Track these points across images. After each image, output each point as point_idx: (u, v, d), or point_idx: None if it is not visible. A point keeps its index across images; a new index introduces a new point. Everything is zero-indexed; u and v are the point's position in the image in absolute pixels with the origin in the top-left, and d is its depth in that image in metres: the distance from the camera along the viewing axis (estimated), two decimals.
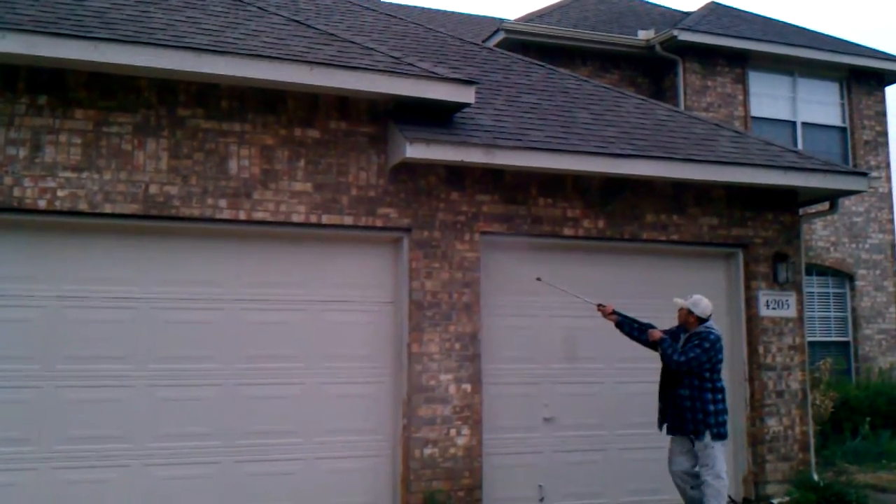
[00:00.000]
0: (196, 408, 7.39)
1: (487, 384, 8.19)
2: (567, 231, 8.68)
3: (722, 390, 7.52)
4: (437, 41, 10.41)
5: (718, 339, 7.52)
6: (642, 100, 10.49)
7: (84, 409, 7.06)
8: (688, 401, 7.43)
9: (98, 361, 7.17)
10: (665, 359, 7.51)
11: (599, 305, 7.92)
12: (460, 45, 10.63)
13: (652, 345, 7.66)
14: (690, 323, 7.61)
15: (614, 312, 7.87)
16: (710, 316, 7.62)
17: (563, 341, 8.78)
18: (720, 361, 7.57)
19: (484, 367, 8.16)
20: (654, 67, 15.08)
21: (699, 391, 7.41)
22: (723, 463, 7.43)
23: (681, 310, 7.73)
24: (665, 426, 7.67)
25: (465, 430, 7.94)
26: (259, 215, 7.53)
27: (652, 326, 7.76)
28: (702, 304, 7.60)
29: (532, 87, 9.82)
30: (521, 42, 14.04)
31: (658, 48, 14.55)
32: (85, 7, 7.38)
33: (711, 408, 7.38)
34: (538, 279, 8.28)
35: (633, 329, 7.81)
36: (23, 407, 6.93)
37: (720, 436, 7.38)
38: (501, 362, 8.42)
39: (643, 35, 14.73)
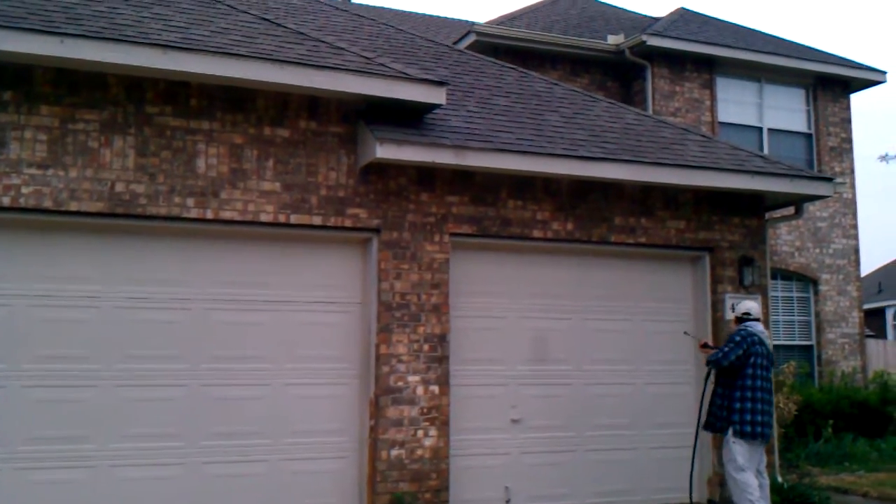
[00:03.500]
0: (162, 408, 7.31)
1: (455, 386, 8.19)
2: (536, 233, 8.71)
3: (759, 389, 7.92)
4: (408, 42, 10.41)
5: (746, 337, 8.01)
6: (611, 103, 10.56)
7: (49, 408, 6.97)
8: (719, 398, 8.08)
9: (64, 361, 7.07)
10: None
11: (703, 345, 8.59)
12: (432, 46, 10.64)
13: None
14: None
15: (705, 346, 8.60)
16: (748, 316, 8.24)
17: (531, 343, 8.80)
18: (758, 360, 7.96)
19: (452, 368, 8.16)
20: (624, 72, 15.18)
21: (729, 389, 7.99)
22: (745, 459, 7.79)
23: None
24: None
25: (433, 432, 7.93)
26: (227, 214, 7.48)
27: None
28: (738, 306, 8.53)
29: (503, 90, 9.84)
30: (493, 45, 14.08)
31: (627, 53, 14.65)
32: (54, 3, 7.29)
33: (738, 405, 7.86)
34: (685, 333, 9.10)
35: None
36: None
37: (743, 434, 7.78)
38: (470, 364, 8.43)
39: (613, 40, 14.82)
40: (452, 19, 19.20)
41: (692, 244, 9.45)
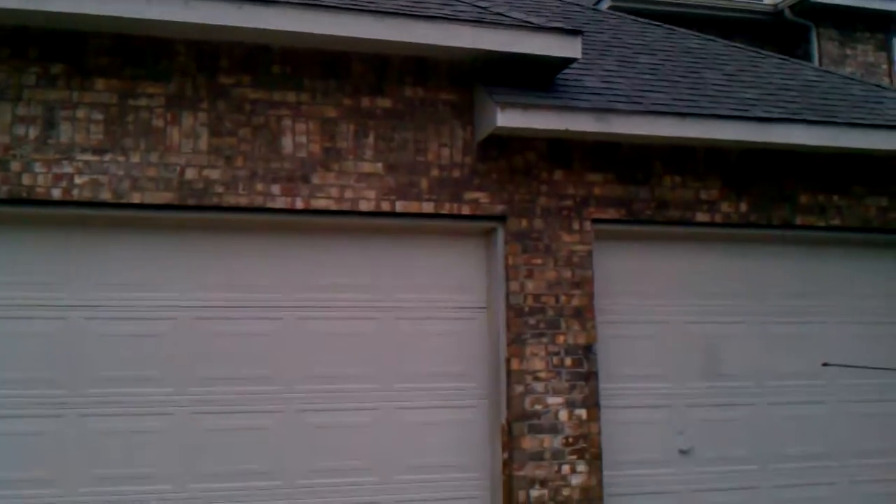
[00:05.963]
0: (249, 440, 6.03)
1: (607, 408, 6.57)
2: (701, 217, 6.99)
3: None
4: (531, 2, 8.87)
5: None
6: (783, 59, 8.71)
7: (113, 442, 5.79)
8: None
9: (131, 384, 5.88)
10: None
11: None
12: (559, 5, 9.07)
13: None
14: None
15: None
16: None
17: (700, 353, 7.09)
18: None
19: (601, 386, 6.54)
20: (783, 35, 13.18)
21: None
22: None
23: None
24: None
25: (581, 467, 6.32)
26: (320, 203, 6.13)
27: None
28: None
29: (648, 48, 8.18)
30: (628, 10, 12.37)
31: (788, 13, 12.72)
32: None
33: None
34: (825, 364, 6.85)
35: None
36: (44, 440, 5.69)
37: None
38: (623, 381, 6.79)
39: None
40: None
41: None
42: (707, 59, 8.14)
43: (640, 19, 9.32)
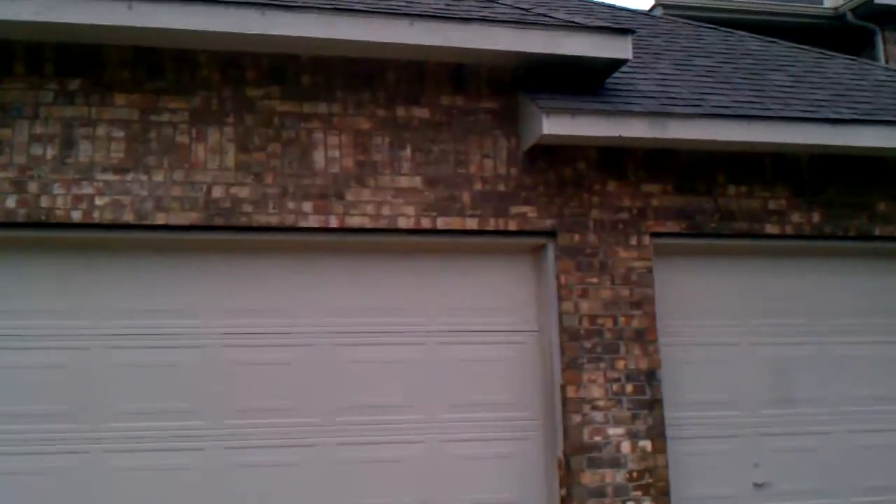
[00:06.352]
0: (281, 477, 5.57)
1: (673, 439, 5.99)
2: (770, 228, 6.42)
3: None
4: (579, 6, 8.40)
5: None
6: (852, 59, 8.11)
7: (139, 481, 5.38)
8: None
9: (156, 417, 5.47)
10: None
11: None
12: (607, 12, 8.58)
13: None
14: None
15: None
16: None
17: (771, 378, 6.48)
18: None
19: (666, 415, 5.97)
20: (845, 40, 12.48)
21: None
22: None
23: None
24: None
25: None
26: (355, 221, 5.70)
27: None
28: None
29: (705, 51, 7.65)
30: (681, 16, 11.85)
31: (850, 16, 12.08)
32: None
33: None
34: None
35: None
36: (64, 478, 5.30)
37: None
38: (690, 408, 6.21)
39: (830, 2, 12.27)
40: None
41: None
42: (770, 60, 7.58)
43: (692, 23, 8.79)
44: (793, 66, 7.48)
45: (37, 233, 5.33)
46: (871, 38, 12.18)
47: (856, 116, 6.38)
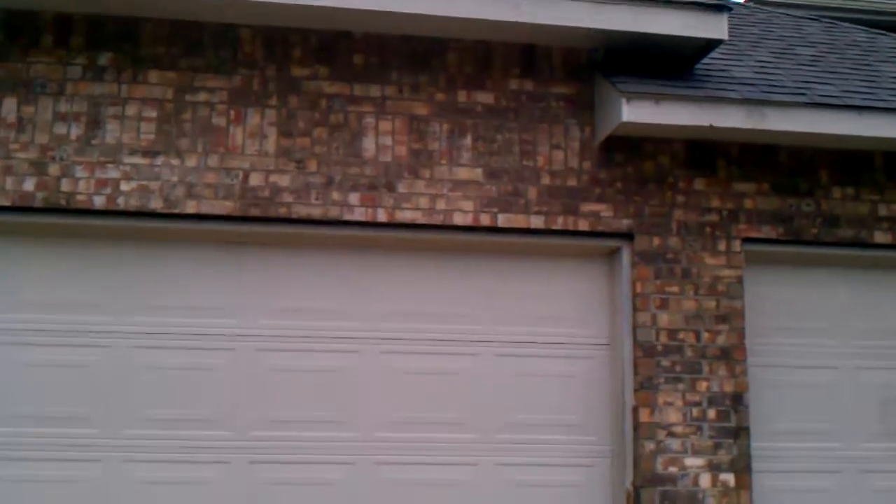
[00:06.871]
0: (320, 497, 5.00)
1: (760, 473, 5.24)
2: (879, 237, 5.60)
3: None
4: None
5: None
6: None
7: (163, 495, 4.89)
8: None
9: (182, 425, 4.99)
10: None
11: None
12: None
13: None
14: None
15: None
16: None
17: (877, 406, 5.66)
18: None
19: (753, 445, 5.22)
20: None
21: None
22: None
23: None
24: None
25: None
26: (406, 216, 5.12)
27: None
28: None
29: (806, 41, 6.85)
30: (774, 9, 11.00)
31: None
32: None
33: None
34: None
35: None
36: (79, 489, 4.84)
37: None
38: (781, 439, 5.45)
39: None
40: None
41: None
42: (879, 52, 6.75)
43: (790, 14, 7.98)
44: None
45: (57, 219, 4.89)
46: None
47: None
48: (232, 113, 5.08)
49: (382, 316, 5.23)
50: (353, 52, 5.26)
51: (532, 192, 5.26)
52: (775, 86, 5.48)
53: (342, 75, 5.23)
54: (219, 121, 5.06)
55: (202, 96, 5.07)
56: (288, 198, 5.04)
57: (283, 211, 5.02)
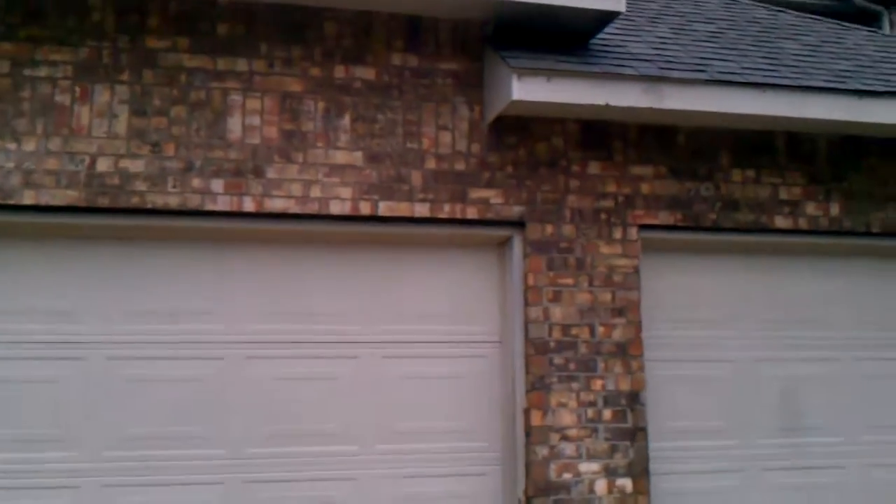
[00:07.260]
0: None
1: (658, 476, 4.97)
2: (780, 222, 5.39)
3: None
4: None
5: None
6: (872, 31, 7.10)
7: None
8: None
9: (170, 444, 4.40)
10: None
11: None
12: None
13: None
14: None
15: None
16: None
17: (777, 400, 5.47)
18: None
19: (651, 446, 4.95)
20: (850, 22, 11.48)
21: None
22: None
23: None
24: None
25: None
26: (277, 204, 4.63)
27: None
28: None
29: (705, 17, 6.59)
30: None
31: None
32: None
33: None
34: None
35: None
36: None
37: None
38: (678, 438, 5.20)
39: None
40: None
41: None
42: (780, 29, 6.53)
43: None
44: (807, 35, 6.43)
45: None
46: (876, 20, 11.15)
47: (889, 88, 5.34)
48: (77, 90, 4.50)
49: (252, 317, 4.74)
50: (217, 22, 4.73)
51: (416, 178, 4.84)
52: (674, 62, 5.17)
53: (204, 47, 4.69)
54: (62, 98, 4.47)
55: (43, 71, 4.47)
56: (141, 185, 4.49)
57: (135, 200, 4.47)
